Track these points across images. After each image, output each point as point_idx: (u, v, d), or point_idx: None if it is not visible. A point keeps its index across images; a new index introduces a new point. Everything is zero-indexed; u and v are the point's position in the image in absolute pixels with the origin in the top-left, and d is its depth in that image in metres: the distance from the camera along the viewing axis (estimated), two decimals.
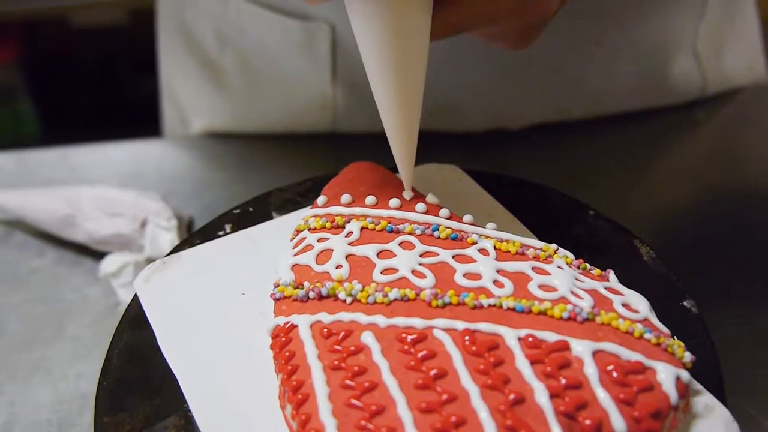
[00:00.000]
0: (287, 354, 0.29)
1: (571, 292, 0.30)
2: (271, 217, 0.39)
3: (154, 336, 0.33)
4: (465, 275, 0.31)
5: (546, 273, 0.31)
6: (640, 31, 0.56)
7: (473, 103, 0.57)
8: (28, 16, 1.34)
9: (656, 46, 0.58)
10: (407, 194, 0.36)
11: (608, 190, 0.52)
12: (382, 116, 0.34)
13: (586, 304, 0.30)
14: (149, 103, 0.87)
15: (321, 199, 0.36)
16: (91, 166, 0.58)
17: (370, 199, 0.35)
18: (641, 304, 0.30)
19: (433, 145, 0.56)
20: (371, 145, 0.57)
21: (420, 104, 0.33)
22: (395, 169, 0.38)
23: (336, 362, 0.28)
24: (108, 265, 0.46)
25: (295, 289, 0.32)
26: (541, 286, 0.31)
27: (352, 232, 0.34)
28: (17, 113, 1.37)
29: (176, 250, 0.37)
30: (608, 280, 0.32)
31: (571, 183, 0.49)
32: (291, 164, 0.57)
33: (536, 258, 0.33)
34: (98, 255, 0.49)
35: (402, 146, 0.34)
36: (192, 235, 0.38)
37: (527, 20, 0.35)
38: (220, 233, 0.38)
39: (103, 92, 1.45)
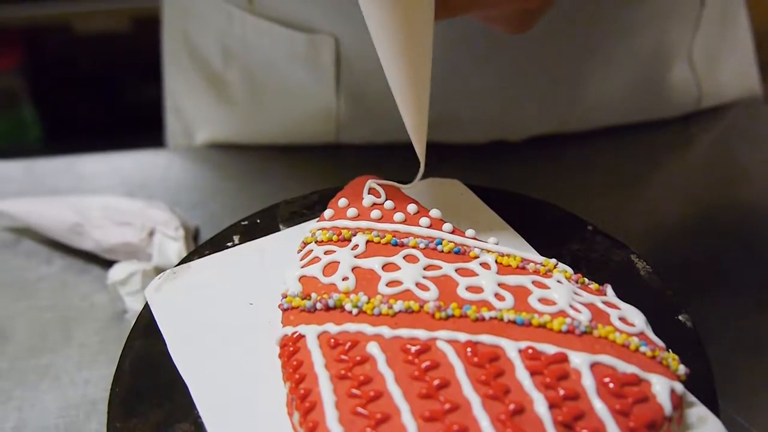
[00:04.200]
0: (295, 363, 0.30)
1: (570, 306, 0.31)
2: (278, 229, 0.40)
3: (165, 344, 0.34)
4: (467, 288, 0.32)
5: (546, 287, 0.32)
6: (636, 43, 0.57)
7: (474, 114, 0.58)
8: (31, 23, 1.35)
9: (652, 57, 0.59)
10: (422, 165, 0.37)
11: (606, 204, 0.53)
12: (394, 94, 0.35)
13: (584, 317, 0.31)
14: (152, 110, 0.88)
15: (327, 213, 0.37)
16: (98, 175, 0.59)
17: (376, 213, 0.36)
18: (637, 318, 0.31)
19: (434, 156, 0.57)
20: (374, 156, 0.58)
21: (428, 79, 0.35)
22: (400, 181, 0.39)
23: (342, 371, 0.29)
24: (116, 273, 0.47)
25: (302, 300, 0.33)
26: (540, 300, 0.32)
27: (358, 245, 0.35)
28: (20, 119, 1.38)
29: (186, 260, 0.38)
30: (606, 295, 0.33)
31: (570, 196, 0.50)
32: (295, 175, 0.58)
33: (536, 272, 0.34)
34: (105, 263, 0.50)
35: (413, 119, 0.36)
36: (201, 246, 0.39)
37: (525, 5, 0.36)
38: (229, 244, 0.39)
39: (105, 99, 1.45)
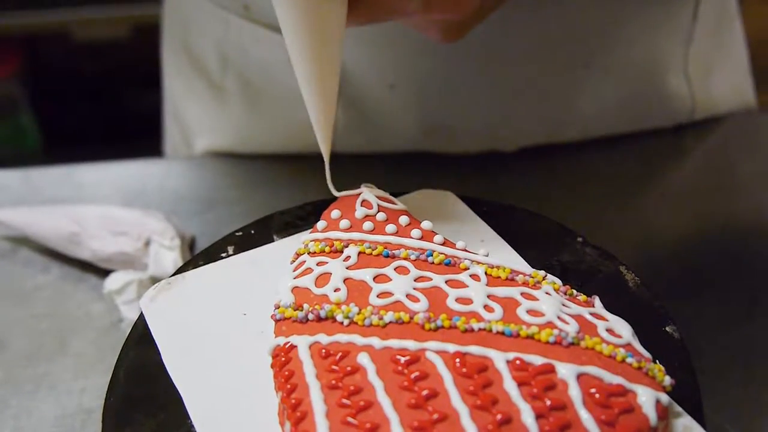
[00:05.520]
0: (287, 373, 0.31)
1: (558, 318, 0.32)
2: (272, 240, 0.40)
3: (159, 354, 0.34)
4: (457, 300, 0.33)
5: (534, 299, 0.33)
6: (629, 54, 0.58)
7: (466, 125, 0.59)
8: (31, 30, 1.35)
9: (646, 68, 0.59)
10: (326, 164, 0.38)
11: (598, 214, 0.54)
12: (303, 94, 0.36)
13: (571, 329, 0.31)
14: (151, 117, 0.89)
15: (320, 224, 0.38)
16: (96, 185, 0.60)
17: (368, 225, 0.37)
18: (624, 330, 0.32)
19: (427, 166, 0.58)
20: (370, 165, 0.58)
21: (336, 82, 0.36)
22: (394, 192, 0.40)
23: (333, 381, 0.30)
24: (112, 282, 0.48)
25: (294, 310, 0.33)
26: (529, 311, 0.32)
27: (350, 257, 0.35)
28: (19, 126, 1.38)
29: (181, 270, 0.38)
30: (593, 306, 0.34)
31: (562, 206, 0.50)
32: (291, 184, 0.58)
33: (525, 284, 0.34)
34: (102, 272, 0.50)
35: (318, 120, 0.37)
36: (196, 257, 0.39)
37: (443, 16, 0.37)
38: (223, 255, 0.39)
39: (104, 106, 1.46)
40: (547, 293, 0.33)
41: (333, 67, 0.36)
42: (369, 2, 0.35)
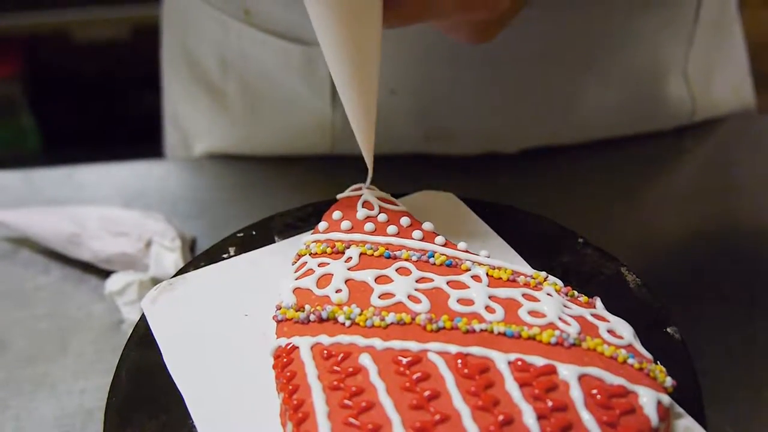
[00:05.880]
0: (288, 374, 0.31)
1: (559, 319, 0.32)
2: (273, 241, 0.40)
3: (161, 355, 0.34)
4: (458, 301, 0.33)
5: (535, 300, 0.33)
6: (629, 58, 0.58)
7: (467, 127, 0.59)
8: (30, 31, 1.35)
9: (646, 71, 0.59)
10: (369, 173, 0.38)
11: (598, 216, 0.54)
12: (342, 101, 0.36)
13: (573, 330, 0.31)
14: (150, 118, 0.89)
15: (322, 225, 0.38)
16: (96, 186, 0.60)
17: (369, 226, 0.37)
18: (626, 331, 0.32)
19: (428, 168, 0.58)
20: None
21: (376, 87, 0.36)
22: (395, 193, 0.40)
23: (335, 382, 0.30)
24: (113, 283, 0.48)
25: (296, 311, 0.33)
26: (530, 313, 0.32)
27: (351, 258, 0.35)
28: (19, 127, 1.38)
29: (182, 272, 0.38)
30: (595, 307, 0.34)
31: (563, 208, 0.50)
32: (291, 185, 0.59)
33: (527, 285, 0.34)
34: (102, 273, 0.50)
35: (361, 129, 0.37)
36: (197, 258, 0.39)
37: (477, 16, 0.37)
38: (224, 256, 0.39)
39: (104, 107, 1.46)
40: (548, 294, 0.33)
41: (371, 69, 0.35)
42: (406, 2, 0.35)
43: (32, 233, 0.52)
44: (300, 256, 0.37)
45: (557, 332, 0.31)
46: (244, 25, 0.56)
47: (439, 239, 0.37)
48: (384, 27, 0.35)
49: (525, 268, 0.35)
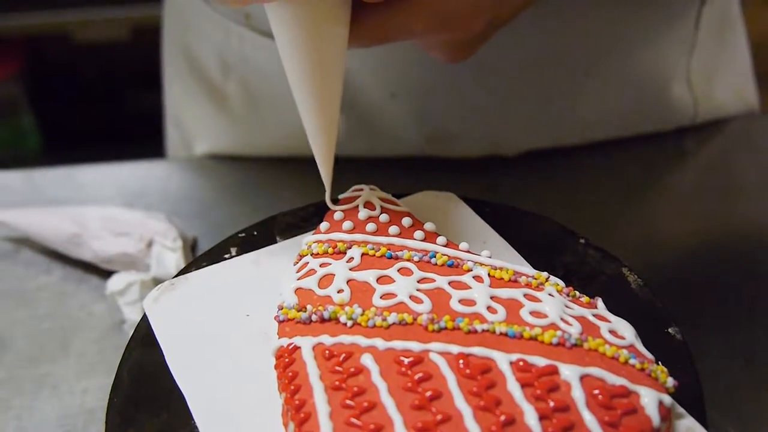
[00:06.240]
0: (290, 374, 0.31)
1: (561, 319, 0.32)
2: (274, 241, 0.40)
3: (163, 355, 0.34)
4: (460, 301, 0.33)
5: (537, 300, 0.33)
6: (630, 62, 0.58)
7: (468, 130, 0.59)
8: (31, 32, 1.35)
9: (648, 75, 0.59)
10: (327, 197, 0.38)
11: (599, 217, 0.54)
12: (302, 118, 0.36)
13: (574, 330, 0.31)
14: (151, 118, 0.89)
15: (323, 225, 0.38)
16: (97, 186, 0.60)
17: (371, 226, 0.37)
18: (627, 331, 0.32)
19: (429, 170, 0.58)
20: (370, 169, 0.59)
21: (338, 108, 0.35)
22: (396, 194, 0.40)
23: (337, 383, 0.30)
24: (115, 283, 0.48)
25: (298, 311, 0.33)
26: (532, 313, 0.32)
27: (353, 258, 0.35)
28: (20, 128, 1.39)
29: (184, 272, 0.38)
30: (596, 308, 0.34)
31: (564, 209, 0.50)
32: (292, 186, 0.58)
33: (528, 285, 0.34)
34: (104, 273, 0.50)
35: (320, 148, 0.36)
36: (198, 258, 0.39)
37: (452, 37, 0.37)
38: (226, 256, 0.39)
39: (104, 107, 1.46)
40: (550, 295, 0.33)
41: (334, 91, 0.35)
42: (372, 24, 0.34)
43: (33, 233, 0.52)
44: (302, 256, 0.37)
45: (559, 333, 0.31)
46: (245, 29, 0.56)
47: (441, 239, 0.37)
48: (352, 47, 0.35)
49: (526, 268, 0.35)
